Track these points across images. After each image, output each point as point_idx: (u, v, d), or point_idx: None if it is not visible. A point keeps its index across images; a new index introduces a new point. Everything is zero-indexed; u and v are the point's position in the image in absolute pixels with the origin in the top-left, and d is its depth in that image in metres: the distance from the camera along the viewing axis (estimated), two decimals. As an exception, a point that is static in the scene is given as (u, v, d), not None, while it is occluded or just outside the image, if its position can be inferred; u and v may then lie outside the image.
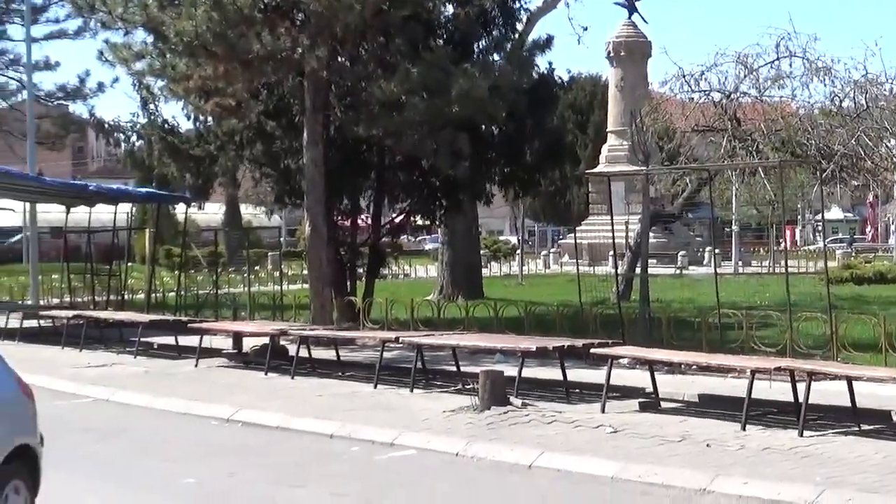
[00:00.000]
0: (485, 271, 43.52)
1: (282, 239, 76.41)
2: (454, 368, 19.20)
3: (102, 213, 34.74)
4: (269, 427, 16.03)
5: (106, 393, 19.25)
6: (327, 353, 21.45)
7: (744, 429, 14.12)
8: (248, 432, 15.93)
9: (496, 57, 25.28)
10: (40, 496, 9.67)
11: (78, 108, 45.49)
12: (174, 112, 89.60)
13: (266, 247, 61.63)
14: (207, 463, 13.90)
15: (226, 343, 23.23)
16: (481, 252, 45.33)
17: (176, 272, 33.86)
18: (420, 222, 31.97)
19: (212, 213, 63.82)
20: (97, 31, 34.07)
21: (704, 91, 24.61)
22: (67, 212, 33.70)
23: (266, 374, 20.36)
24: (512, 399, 16.14)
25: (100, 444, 15.26)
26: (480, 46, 25.79)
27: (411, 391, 18.03)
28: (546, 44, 25.36)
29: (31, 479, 9.44)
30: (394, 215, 29.89)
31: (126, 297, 31.93)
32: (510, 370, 17.40)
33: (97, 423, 16.85)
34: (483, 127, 26.19)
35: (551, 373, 18.05)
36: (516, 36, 26.83)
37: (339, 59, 24.39)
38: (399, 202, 28.93)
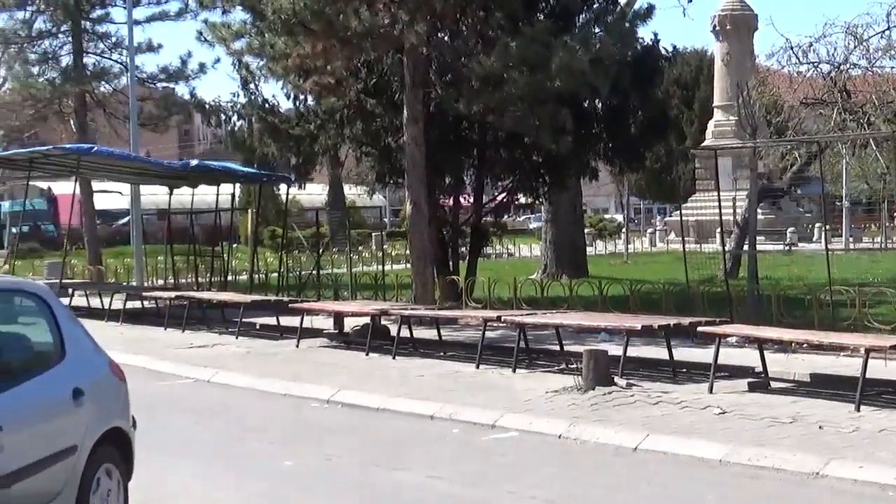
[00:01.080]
0: (589, 250, 43.14)
1: (385, 219, 76.45)
2: (557, 348, 18.95)
3: (208, 195, 34.83)
4: (370, 408, 15.82)
5: (207, 374, 19.22)
6: (429, 333, 21.27)
7: (858, 409, 13.65)
8: (349, 413, 15.75)
9: (597, 30, 24.77)
10: (137, 477, 9.51)
11: (181, 90, 45.68)
12: (274, 91, 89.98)
13: (369, 227, 61.64)
14: (306, 445, 13.73)
15: (327, 323, 23.12)
16: (586, 230, 44.87)
17: (279, 253, 33.90)
18: (523, 200, 31.58)
19: (315, 193, 63.98)
20: (197, 12, 34.23)
21: (813, 63, 24.01)
22: (170, 193, 33.92)
23: (367, 354, 20.20)
24: (616, 379, 15.81)
25: (199, 426, 15.18)
26: (581, 20, 25.30)
27: (514, 371, 17.74)
28: (647, 13, 24.77)
29: (123, 462, 9.26)
30: (496, 193, 29.55)
31: (230, 278, 32.02)
32: (615, 349, 17.06)
33: (197, 404, 16.82)
34: (586, 101, 25.77)
35: (657, 352, 17.72)
36: (618, 9, 26.28)
37: (439, 34, 24.14)
38: (501, 180, 28.58)
